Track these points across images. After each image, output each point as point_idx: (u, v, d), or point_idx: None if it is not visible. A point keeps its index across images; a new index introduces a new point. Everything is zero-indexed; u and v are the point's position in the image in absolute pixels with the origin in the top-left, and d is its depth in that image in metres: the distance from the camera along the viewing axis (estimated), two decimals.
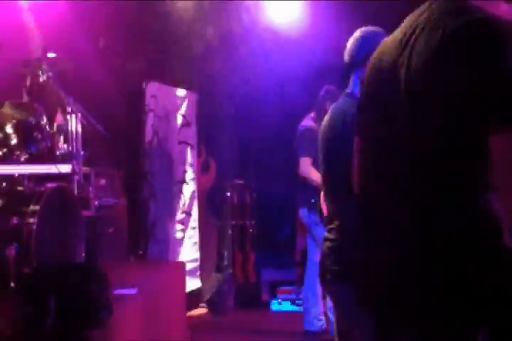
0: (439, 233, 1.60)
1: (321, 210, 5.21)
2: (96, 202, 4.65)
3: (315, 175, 5.22)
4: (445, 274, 1.58)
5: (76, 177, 4.35)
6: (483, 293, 1.55)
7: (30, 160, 4.18)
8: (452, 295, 1.57)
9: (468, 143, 1.59)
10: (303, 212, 5.41)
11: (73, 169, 4.33)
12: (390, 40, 1.84)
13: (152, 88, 6.09)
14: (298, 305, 6.41)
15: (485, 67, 1.55)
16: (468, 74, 1.57)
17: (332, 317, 5.31)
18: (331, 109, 2.82)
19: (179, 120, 6.55)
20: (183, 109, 6.61)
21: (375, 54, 1.89)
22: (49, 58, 4.61)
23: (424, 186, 1.64)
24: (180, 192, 6.49)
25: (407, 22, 1.80)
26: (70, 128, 4.44)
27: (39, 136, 4.23)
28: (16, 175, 4.14)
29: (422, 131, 1.64)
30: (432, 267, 1.60)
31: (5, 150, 4.14)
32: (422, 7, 1.78)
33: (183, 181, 6.55)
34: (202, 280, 6.60)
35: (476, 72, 1.56)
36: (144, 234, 5.90)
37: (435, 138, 1.62)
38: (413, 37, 1.72)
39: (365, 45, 2.68)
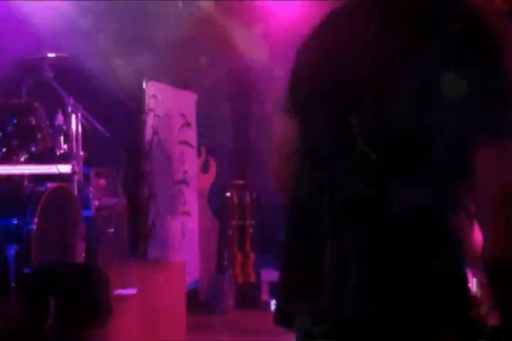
0: (404, 247, 1.47)
1: None
2: (96, 202, 4.66)
3: None
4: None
5: (76, 177, 4.36)
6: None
7: (30, 160, 4.19)
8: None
9: (453, 156, 1.46)
10: None
11: (73, 169, 4.33)
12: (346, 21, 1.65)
13: (152, 88, 6.09)
14: None
15: (472, 73, 1.42)
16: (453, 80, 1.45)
17: None
18: None
19: (179, 120, 6.55)
20: (183, 109, 6.61)
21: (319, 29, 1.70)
22: (49, 58, 4.61)
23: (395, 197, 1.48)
24: (180, 192, 6.49)
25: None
26: (70, 128, 4.45)
27: (39, 136, 4.23)
28: (16, 175, 4.14)
29: (400, 132, 1.48)
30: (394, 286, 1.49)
31: (5, 150, 4.14)
32: None
33: (183, 181, 6.55)
34: (202, 280, 6.60)
35: (463, 77, 1.42)
36: (144, 234, 5.90)
37: (410, 143, 1.47)
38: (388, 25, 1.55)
39: None
